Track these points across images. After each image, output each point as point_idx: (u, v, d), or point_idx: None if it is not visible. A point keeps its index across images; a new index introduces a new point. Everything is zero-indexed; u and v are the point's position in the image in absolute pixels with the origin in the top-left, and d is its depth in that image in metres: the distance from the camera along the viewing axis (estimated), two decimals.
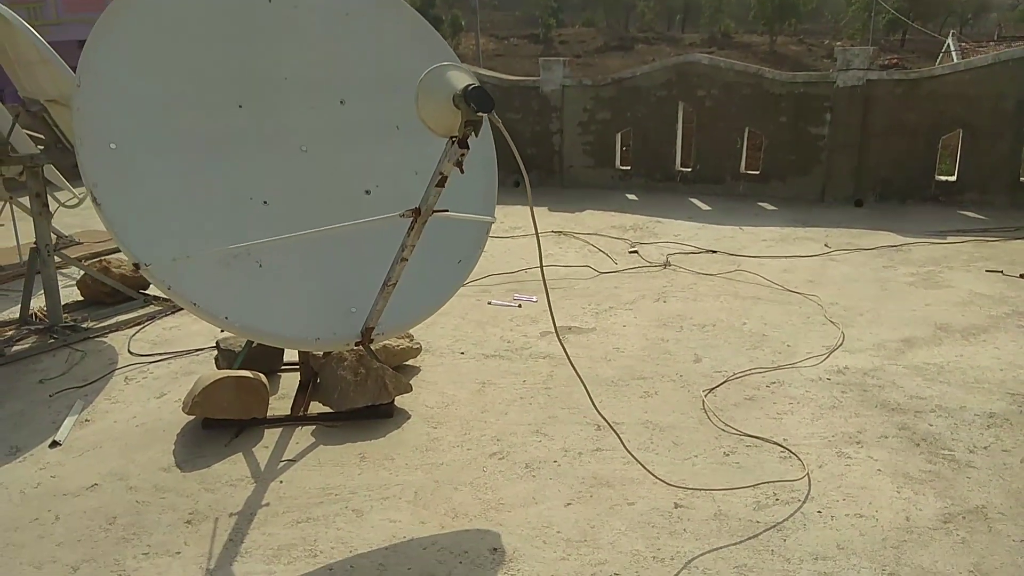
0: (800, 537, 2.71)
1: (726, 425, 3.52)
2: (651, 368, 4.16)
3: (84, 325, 4.90)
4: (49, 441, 3.46)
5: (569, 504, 2.94)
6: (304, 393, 3.80)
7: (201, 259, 2.82)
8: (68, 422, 3.61)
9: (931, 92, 7.92)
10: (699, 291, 5.49)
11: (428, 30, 3.68)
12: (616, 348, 4.46)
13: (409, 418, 3.65)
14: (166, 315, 5.17)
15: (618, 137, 9.49)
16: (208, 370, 4.21)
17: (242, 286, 2.93)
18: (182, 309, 5.22)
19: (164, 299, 5.41)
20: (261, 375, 3.63)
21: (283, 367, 4.17)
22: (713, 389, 3.88)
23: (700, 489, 2.98)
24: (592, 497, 2.98)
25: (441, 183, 2.26)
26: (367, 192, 3.37)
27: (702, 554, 2.62)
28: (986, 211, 7.77)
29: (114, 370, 4.27)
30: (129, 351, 4.54)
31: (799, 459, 3.21)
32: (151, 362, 4.37)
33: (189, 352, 4.49)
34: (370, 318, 2.95)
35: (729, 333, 4.65)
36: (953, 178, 8.09)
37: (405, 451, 3.35)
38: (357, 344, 3.07)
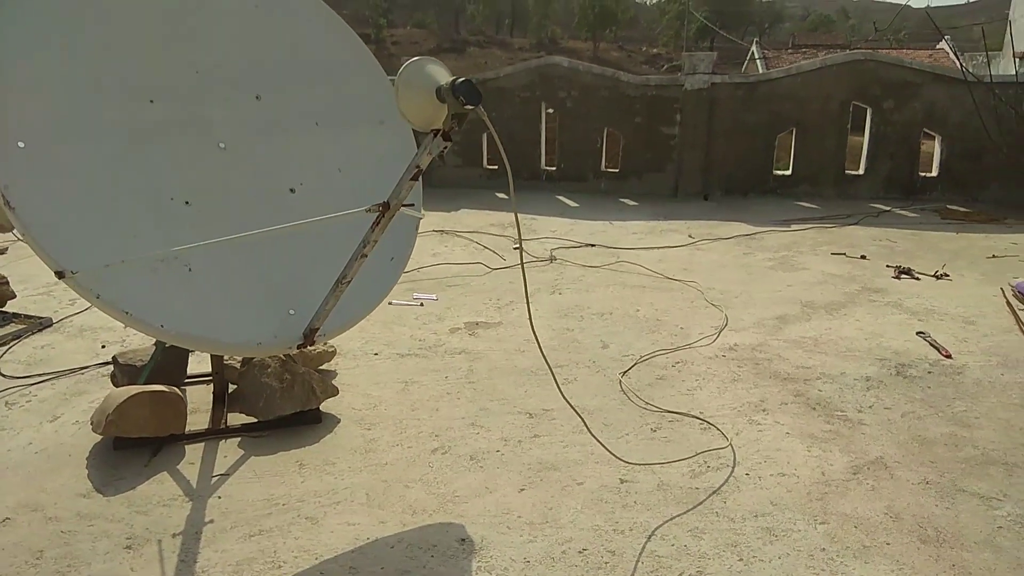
0: (737, 499, 2.96)
1: (647, 404, 3.74)
2: (564, 356, 4.33)
3: None
4: None
5: (522, 490, 3.03)
6: (221, 404, 3.61)
7: (128, 265, 2.63)
8: None
9: (767, 94, 8.72)
10: (588, 282, 5.75)
11: (338, 22, 3.61)
12: (527, 340, 4.58)
13: (339, 422, 3.58)
14: (32, 333, 4.70)
15: (483, 137, 9.65)
16: (97, 388, 3.91)
17: (173, 292, 2.75)
18: (49, 326, 4.82)
19: (27, 316, 4.91)
20: (175, 389, 3.42)
21: (188, 380, 3.93)
22: (626, 372, 4.11)
23: (642, 464, 3.16)
24: (542, 481, 3.09)
25: (416, 176, 2.27)
26: (292, 191, 3.27)
27: (657, 524, 2.80)
28: (817, 201, 8.67)
29: None
30: (0, 374, 4.09)
31: (718, 429, 3.48)
32: (32, 384, 3.97)
33: (75, 371, 4.12)
34: (316, 318, 2.87)
35: (627, 320, 4.92)
36: (788, 172, 8.95)
37: (344, 455, 3.29)
38: (300, 347, 2.97)
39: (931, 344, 4.44)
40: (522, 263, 2.67)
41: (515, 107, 9.39)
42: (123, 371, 3.68)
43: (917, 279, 5.77)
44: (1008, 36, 8.87)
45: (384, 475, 3.13)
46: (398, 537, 2.74)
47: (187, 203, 2.94)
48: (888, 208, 8.23)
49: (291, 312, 3.01)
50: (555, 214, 8.25)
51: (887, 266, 6.09)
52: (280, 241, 2.98)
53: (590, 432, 3.07)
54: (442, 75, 2.12)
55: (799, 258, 6.39)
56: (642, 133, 9.11)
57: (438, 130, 2.13)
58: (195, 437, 3.39)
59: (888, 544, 2.67)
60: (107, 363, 4.21)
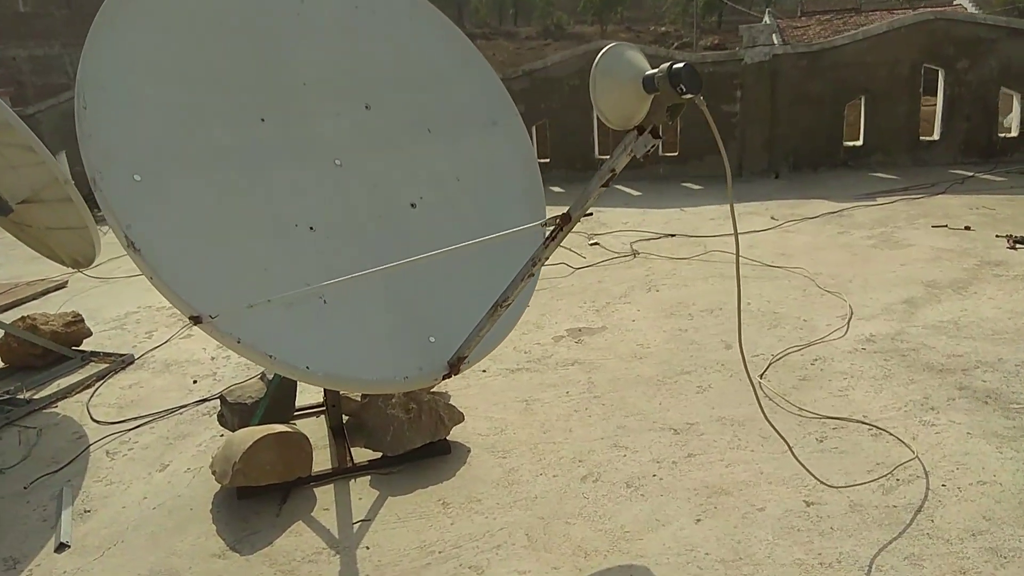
0: (944, 515, 2.63)
1: (800, 410, 3.42)
2: (687, 361, 4.01)
3: (22, 396, 4.13)
4: (54, 545, 2.83)
5: (699, 520, 2.72)
6: (342, 440, 3.35)
7: (266, 304, 2.36)
8: (65, 516, 2.99)
9: (833, 62, 8.31)
10: (683, 276, 5.42)
11: (443, 21, 3.32)
12: (639, 344, 4.28)
13: (470, 451, 3.30)
14: (115, 372, 4.47)
15: (533, 130, 9.33)
16: (202, 429, 3.67)
17: (310, 328, 2.49)
18: (132, 363, 4.59)
19: (107, 354, 4.69)
20: (297, 428, 3.16)
21: (297, 412, 3.68)
22: (763, 374, 3.79)
23: (837, 487, 2.83)
24: (717, 508, 2.78)
25: (608, 182, 1.97)
26: (412, 205, 2.98)
27: (868, 553, 2.48)
28: (893, 171, 8.25)
29: (87, 445, 3.60)
30: (93, 419, 3.87)
31: (891, 435, 3.15)
32: (128, 429, 3.73)
33: (172, 411, 3.88)
34: (466, 345, 2.58)
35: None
36: (860, 143, 8.54)
37: (487, 489, 3.01)
38: (445, 377, 2.69)
39: None
40: (737, 272, 2.33)
41: (564, 96, 9.06)
42: (233, 410, 3.43)
43: None
44: None
45: (538, 511, 2.84)
46: None
47: (311, 228, 2.67)
48: (971, 174, 7.79)
49: (431, 339, 2.73)
50: (619, 204, 7.92)
51: (996, 236, 5.70)
52: (408, 265, 2.71)
53: (795, 457, 2.76)
54: (642, 61, 1.82)
55: (900, 233, 6.01)
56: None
57: (642, 127, 1.82)
58: (322, 479, 3.13)
59: None
60: (205, 400, 3.98)
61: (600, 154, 9.32)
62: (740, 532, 2.64)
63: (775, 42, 8.27)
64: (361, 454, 3.28)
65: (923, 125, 8.45)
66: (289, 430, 3.07)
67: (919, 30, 8.04)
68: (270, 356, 2.32)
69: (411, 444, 3.18)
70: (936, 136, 8.36)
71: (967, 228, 5.96)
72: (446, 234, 2.97)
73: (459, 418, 3.36)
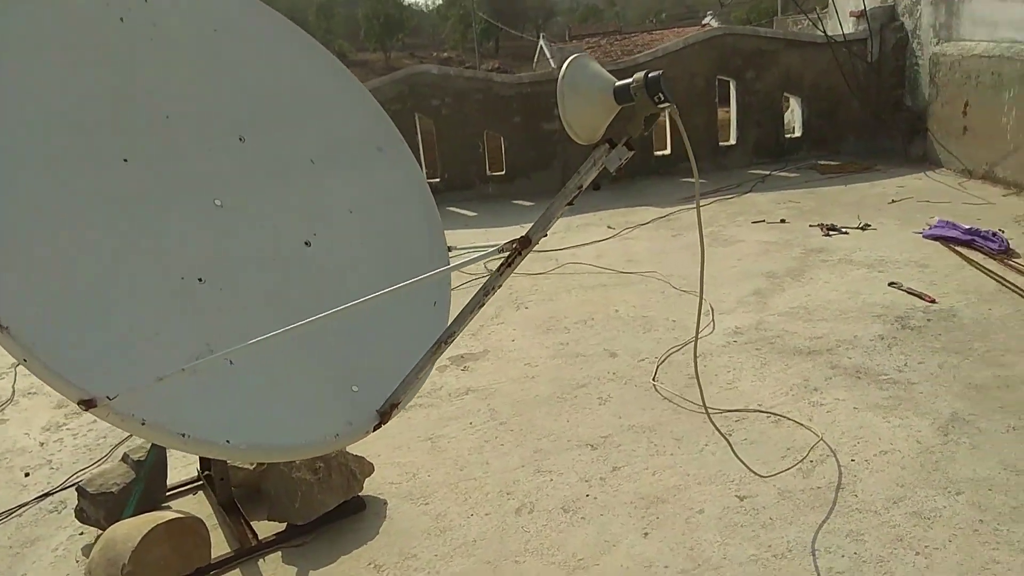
0: (864, 488, 2.80)
1: (705, 409, 3.51)
2: (579, 374, 4.00)
3: None
4: None
5: (647, 534, 2.68)
6: (236, 515, 2.96)
7: (169, 375, 2.01)
8: None
9: None
10: (547, 291, 5.44)
11: (312, 43, 3.06)
12: (527, 364, 4.21)
13: (386, 503, 3.04)
14: None
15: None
16: (53, 530, 3.10)
17: (221, 397, 2.15)
18: None
19: None
20: (186, 512, 2.74)
21: (170, 493, 3.21)
22: (655, 378, 3.86)
23: (764, 477, 2.91)
24: (659, 518, 2.76)
25: (572, 201, 1.86)
26: (307, 244, 2.69)
27: (812, 537, 2.57)
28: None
29: None
30: None
31: (789, 419, 3.33)
32: None
33: (7, 514, 3.23)
34: (402, 390, 2.35)
35: (614, 323, 4.67)
36: (668, 151, 9.13)
37: (419, 541, 2.78)
38: (375, 428, 2.44)
39: (910, 293, 4.58)
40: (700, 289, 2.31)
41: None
42: (96, 502, 2.92)
43: (846, 233, 6.00)
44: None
45: (481, 555, 2.67)
46: None
47: (200, 280, 2.33)
48: (768, 172, 8.58)
49: (354, 389, 2.47)
50: (458, 226, 7.86)
51: (810, 225, 6.30)
52: (317, 310, 2.45)
53: (735, 454, 2.81)
54: (606, 72, 1.75)
55: (726, 231, 6.46)
56: (522, 132, 8.92)
57: (612, 140, 1.75)
58: (226, 565, 2.74)
59: None
60: (47, 494, 3.36)
61: (428, 178, 9.20)
62: (689, 539, 2.63)
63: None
64: (261, 528, 2.91)
65: (720, 131, 9.21)
66: (180, 515, 2.66)
67: (711, 45, 8.78)
68: (183, 435, 1.98)
69: (324, 507, 2.87)
70: (733, 141, 9.14)
71: (783, 221, 6.54)
72: (348, 270, 2.75)
73: (370, 469, 3.09)
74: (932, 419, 3.20)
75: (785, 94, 9.05)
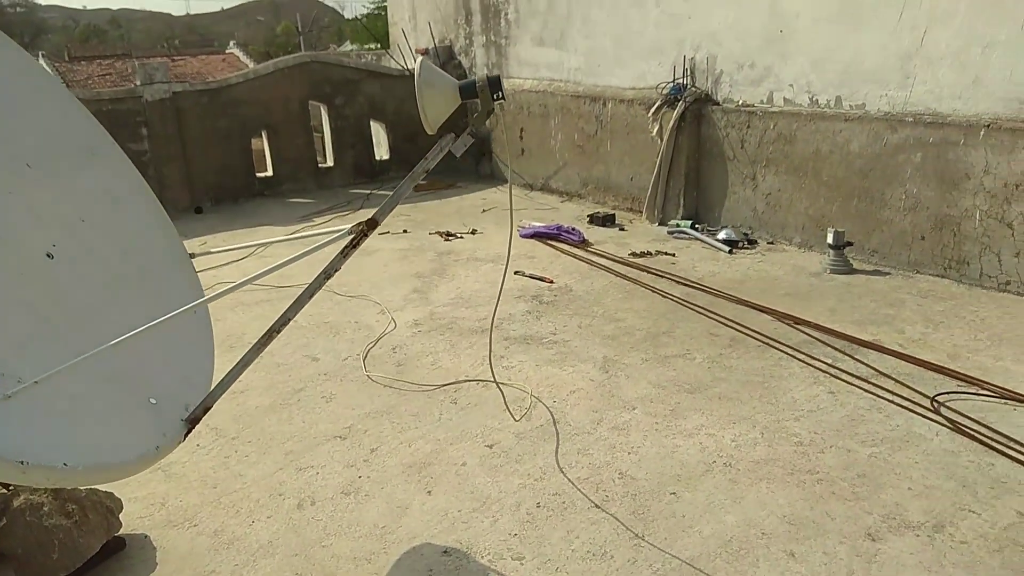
0: (572, 419, 3.54)
1: (421, 386, 3.93)
2: (290, 381, 4.07)
3: None
4: None
5: (430, 492, 3.02)
6: None
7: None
8: None
9: (231, 99, 8.73)
10: (214, 313, 5.21)
11: (6, 41, 2.65)
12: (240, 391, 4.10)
13: (146, 536, 2.82)
14: None
15: None
16: None
17: (32, 420, 1.88)
18: None
19: None
20: None
21: None
22: (367, 371, 4.14)
23: (509, 426, 3.44)
24: (433, 478, 3.12)
25: (415, 184, 2.09)
26: (49, 256, 2.38)
27: (549, 460, 3.20)
28: (304, 195, 9.19)
29: None
30: None
31: (494, 382, 3.94)
32: None
33: None
34: (216, 393, 2.27)
35: (299, 331, 4.77)
36: (271, 173, 9.21)
37: (211, 558, 2.68)
38: (185, 436, 2.29)
39: (533, 278, 5.62)
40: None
41: None
42: None
43: (461, 238, 6.95)
44: (403, 36, 10.69)
45: (284, 550, 2.71)
46: None
47: None
48: (370, 191, 9.27)
49: (152, 401, 2.33)
50: None
51: (430, 233, 7.12)
52: (85, 321, 2.31)
53: (495, 381, 3.23)
54: (445, 74, 2.06)
55: (364, 244, 6.90)
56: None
57: (451, 131, 2.08)
58: None
59: (702, 402, 3.65)
60: None
61: None
62: (466, 485, 3.05)
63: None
64: None
65: (320, 153, 9.62)
66: None
67: (301, 71, 9.11)
68: (21, 462, 1.74)
69: (88, 552, 2.57)
70: (331, 163, 9.62)
71: (405, 231, 7.25)
72: (97, 280, 2.53)
73: (120, 505, 2.82)
74: (592, 363, 4.13)
75: (372, 120, 9.86)
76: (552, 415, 3.59)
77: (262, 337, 2.32)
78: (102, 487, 2.78)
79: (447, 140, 2.14)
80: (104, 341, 2.16)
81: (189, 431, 2.34)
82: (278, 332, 2.31)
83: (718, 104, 6.66)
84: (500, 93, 2.06)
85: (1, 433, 1.77)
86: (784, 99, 6.10)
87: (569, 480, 3.05)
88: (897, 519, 2.71)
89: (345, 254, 2.26)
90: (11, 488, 2.68)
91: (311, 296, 2.30)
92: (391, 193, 2.37)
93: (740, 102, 6.48)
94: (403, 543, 2.72)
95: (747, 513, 2.79)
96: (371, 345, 4.50)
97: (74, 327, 2.28)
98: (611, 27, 7.68)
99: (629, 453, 3.23)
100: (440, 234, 7.04)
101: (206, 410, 2.36)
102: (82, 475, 1.91)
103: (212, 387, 2.39)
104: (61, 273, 2.40)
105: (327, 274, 2.27)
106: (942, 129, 5.01)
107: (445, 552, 2.66)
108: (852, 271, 5.44)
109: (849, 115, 5.59)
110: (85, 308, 2.39)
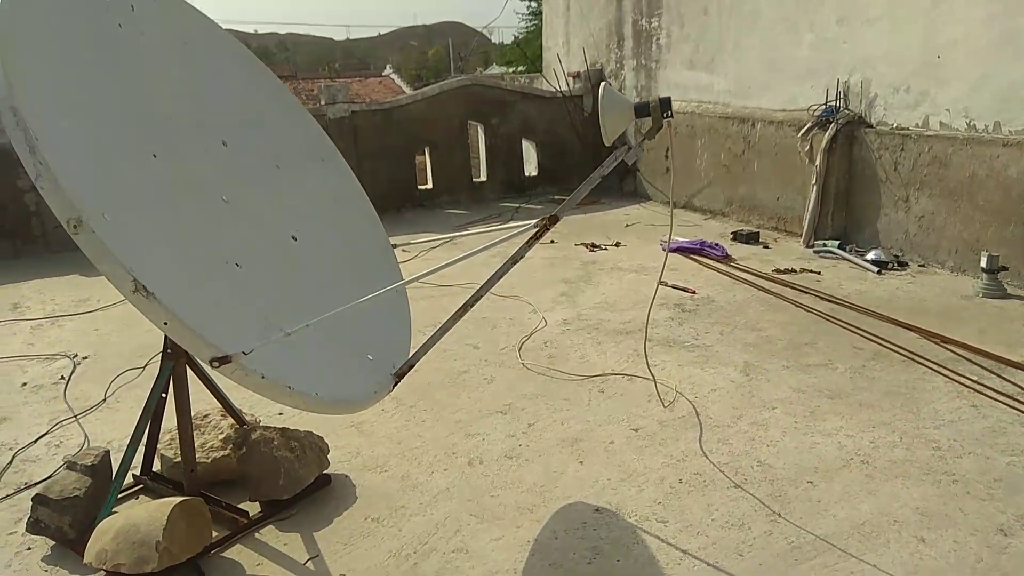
0: (714, 413, 3.82)
1: (570, 376, 4.33)
2: (455, 364, 4.59)
3: None
4: None
5: (582, 462, 3.41)
6: (214, 502, 3.07)
7: (269, 339, 2.30)
8: None
9: (401, 118, 9.58)
10: None
11: (257, 63, 3.33)
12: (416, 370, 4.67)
13: (347, 476, 3.37)
14: None
15: None
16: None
17: (295, 360, 2.45)
18: None
19: None
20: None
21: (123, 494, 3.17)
22: (524, 363, 4.60)
23: (662, 410, 3.79)
24: (584, 451, 3.50)
25: (592, 187, 2.54)
26: (294, 239, 2.99)
27: (694, 446, 3.51)
28: (458, 207, 9.88)
29: None
30: None
31: (639, 376, 4.28)
32: None
33: None
34: (420, 353, 2.80)
35: (460, 324, 5.29)
36: (430, 186, 9.98)
37: (399, 498, 3.18)
38: (394, 386, 2.84)
39: (675, 288, 5.91)
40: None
41: None
42: (62, 509, 2.85)
43: (605, 249, 7.34)
44: (558, 60, 11.26)
45: (460, 496, 3.17)
46: (554, 533, 2.93)
47: (238, 266, 2.60)
48: (519, 205, 9.84)
49: (369, 357, 2.87)
50: None
51: (575, 244, 7.55)
52: (320, 290, 2.86)
53: (650, 373, 3.60)
54: (617, 94, 2.49)
55: (512, 251, 7.42)
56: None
57: (628, 144, 2.49)
58: (227, 542, 2.89)
59: (842, 408, 3.85)
60: None
61: None
62: (614, 459, 3.41)
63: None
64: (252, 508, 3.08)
65: (473, 169, 10.33)
66: (186, 498, 2.77)
67: (462, 93, 9.86)
68: (289, 387, 2.28)
69: (305, 481, 3.14)
70: (484, 178, 10.30)
71: (552, 242, 7.72)
72: (328, 262, 3.12)
73: (328, 447, 3.39)
74: (734, 367, 4.38)
75: (524, 139, 10.45)
76: (695, 408, 3.88)
77: (458, 310, 2.80)
78: (316, 432, 3.37)
79: (622, 150, 2.54)
80: (335, 307, 2.71)
81: (396, 383, 2.86)
82: (472, 306, 2.79)
83: (871, 127, 6.70)
84: (669, 112, 2.43)
85: (276, 364, 2.32)
86: (940, 123, 6.08)
87: (711, 462, 3.34)
88: None
89: (530, 243, 2.69)
90: (249, 424, 3.31)
91: (500, 277, 2.74)
92: (538, 207, 2.78)
93: (894, 125, 6.50)
94: (560, 500, 3.12)
95: (881, 503, 2.99)
96: (525, 339, 4.96)
97: (312, 295, 2.85)
98: (763, 51, 7.86)
99: (768, 446, 3.48)
100: (585, 245, 7.45)
101: (411, 367, 2.87)
102: (327, 404, 2.45)
103: (411, 352, 2.89)
104: (302, 253, 2.99)
105: (515, 260, 2.72)
106: None
107: (597, 510, 3.04)
108: (1006, 296, 5.36)
109: (1008, 140, 5.53)
110: (319, 281, 2.96)
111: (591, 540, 2.84)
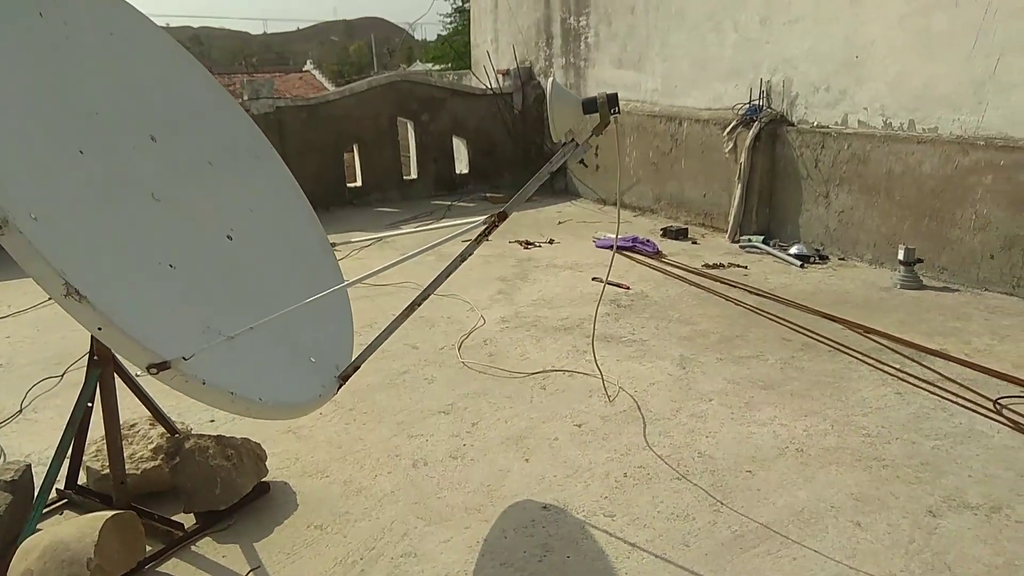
0: (654, 406, 3.88)
1: (512, 373, 4.33)
2: (394, 364, 4.52)
3: None
4: None
5: (527, 460, 3.40)
6: (145, 514, 2.93)
7: (209, 343, 2.20)
8: None
9: (328, 115, 9.38)
10: None
11: (189, 58, 3.18)
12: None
13: (286, 483, 3.27)
14: None
15: None
16: None
17: (235, 363, 2.35)
18: None
19: None
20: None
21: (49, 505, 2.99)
22: (464, 362, 4.57)
23: (605, 406, 3.81)
24: (529, 448, 3.50)
25: (540, 183, 2.51)
26: (229, 237, 2.87)
27: (638, 439, 3.55)
28: (389, 204, 9.76)
29: None
30: None
31: (580, 372, 4.31)
32: None
33: None
34: (365, 354, 2.73)
35: (402, 325, 5.22)
36: (359, 183, 9.81)
37: (343, 503, 3.11)
38: (338, 389, 2.76)
39: (610, 284, 5.97)
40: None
41: None
42: None
43: (539, 247, 7.36)
44: (487, 57, 11.23)
45: (406, 499, 3.12)
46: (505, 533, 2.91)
47: (171, 267, 2.49)
48: (450, 203, 9.78)
49: (312, 360, 2.79)
50: None
51: (509, 242, 7.55)
52: (259, 291, 2.78)
53: (597, 366, 3.61)
54: (567, 93, 2.48)
55: (447, 249, 7.37)
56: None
57: (575, 140, 2.49)
58: (162, 555, 2.76)
59: (775, 397, 3.96)
60: None
61: None
62: (559, 456, 3.42)
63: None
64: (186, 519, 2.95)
65: (403, 167, 10.20)
66: (118, 512, 2.64)
67: (391, 89, 9.72)
68: (231, 393, 2.20)
69: (244, 490, 3.03)
70: (415, 175, 10.19)
71: (487, 239, 7.68)
72: (266, 262, 3.02)
73: (266, 454, 3.29)
74: (670, 360, 4.46)
75: (453, 136, 10.39)
76: (636, 402, 3.93)
77: (405, 310, 2.76)
78: (253, 438, 3.25)
79: (570, 147, 2.53)
80: (274, 310, 2.61)
81: (341, 385, 2.79)
82: (419, 305, 2.74)
83: (793, 125, 6.93)
84: (616, 108, 2.44)
85: (217, 369, 2.23)
86: (859, 121, 6.34)
87: (655, 454, 3.39)
88: (957, 500, 2.97)
89: (479, 241, 2.66)
90: (181, 433, 3.18)
91: (448, 276, 2.71)
92: (470, 204, 2.76)
93: (815, 123, 6.74)
94: (507, 499, 3.11)
95: (817, 490, 3.09)
96: (464, 337, 4.93)
97: (252, 296, 2.75)
98: (689, 50, 8.03)
99: (707, 437, 3.56)
100: (519, 243, 7.46)
101: (355, 369, 2.80)
102: (271, 410, 2.37)
103: (354, 353, 2.83)
104: (240, 253, 2.89)
105: (463, 257, 2.69)
106: (1013, 152, 5.20)
107: (545, 507, 3.04)
108: (922, 287, 5.64)
109: (922, 138, 5.81)
110: (258, 281, 2.86)
111: (540, 537, 2.84)
